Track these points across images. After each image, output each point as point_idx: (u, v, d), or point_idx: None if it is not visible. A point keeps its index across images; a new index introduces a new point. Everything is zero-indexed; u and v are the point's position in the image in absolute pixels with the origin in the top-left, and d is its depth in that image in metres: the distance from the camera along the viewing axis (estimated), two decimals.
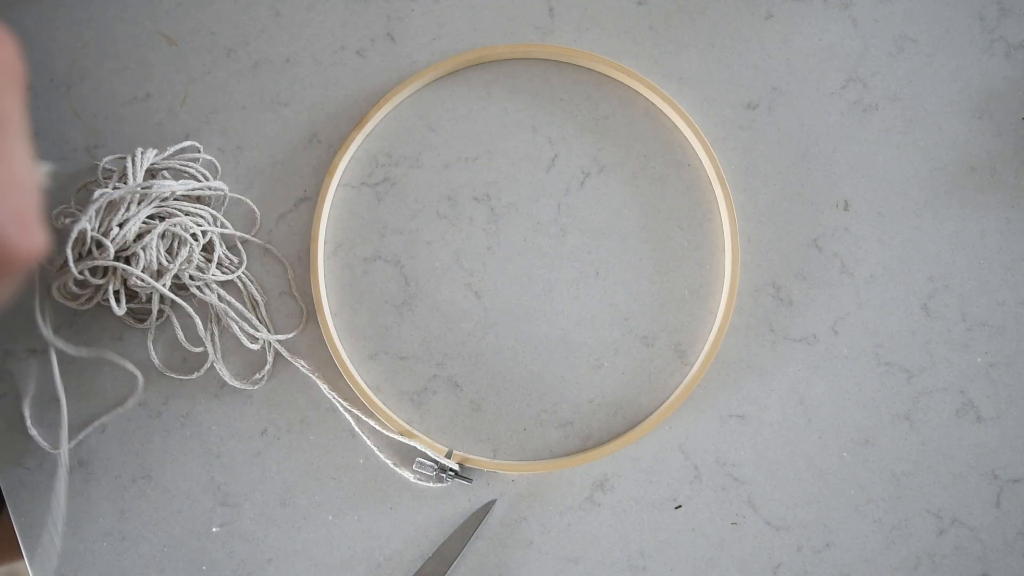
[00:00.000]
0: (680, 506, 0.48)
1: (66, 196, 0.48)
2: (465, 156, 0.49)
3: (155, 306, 0.47)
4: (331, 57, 0.49)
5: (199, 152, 0.49)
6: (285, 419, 0.48)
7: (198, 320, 0.47)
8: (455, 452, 0.47)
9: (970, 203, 0.49)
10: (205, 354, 0.48)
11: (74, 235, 0.43)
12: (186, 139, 0.49)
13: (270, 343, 0.48)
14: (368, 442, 0.48)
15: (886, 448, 0.48)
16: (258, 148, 0.49)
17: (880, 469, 0.48)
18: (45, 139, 0.49)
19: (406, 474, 0.47)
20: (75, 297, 0.46)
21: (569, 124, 0.48)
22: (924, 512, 0.48)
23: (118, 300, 0.45)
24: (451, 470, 0.47)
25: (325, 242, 0.49)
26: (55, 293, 0.45)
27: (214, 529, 0.48)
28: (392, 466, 0.47)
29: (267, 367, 0.48)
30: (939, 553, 0.48)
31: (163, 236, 0.46)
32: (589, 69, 0.49)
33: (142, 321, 0.48)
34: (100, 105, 0.49)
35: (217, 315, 0.48)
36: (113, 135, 0.49)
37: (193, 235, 0.46)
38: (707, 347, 0.48)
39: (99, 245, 0.44)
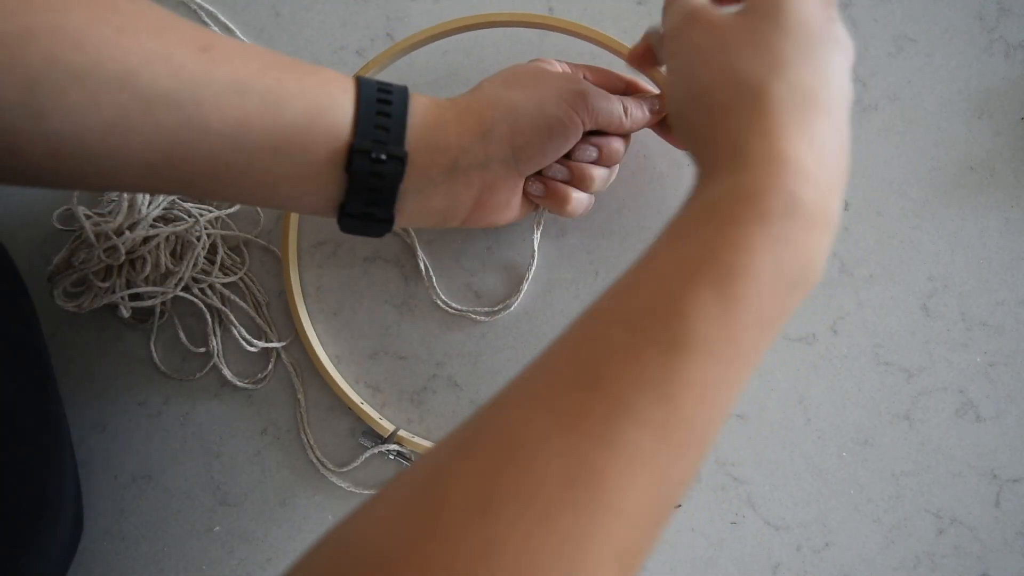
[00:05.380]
0: (679, 505, 0.48)
1: (67, 196, 0.48)
2: None
3: (157, 307, 0.47)
4: (331, 57, 0.49)
5: None
6: (285, 419, 0.49)
7: (209, 319, 0.47)
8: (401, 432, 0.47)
9: (969, 203, 0.49)
10: (205, 354, 0.48)
11: (91, 233, 0.43)
12: None
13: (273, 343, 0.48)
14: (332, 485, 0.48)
15: (885, 448, 0.48)
16: None
17: (879, 469, 0.48)
18: None
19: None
20: (76, 298, 0.46)
21: None
22: (923, 512, 0.48)
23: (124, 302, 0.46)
24: (393, 450, 0.47)
25: (322, 242, 0.49)
26: (57, 296, 0.45)
27: (215, 529, 0.48)
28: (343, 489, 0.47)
29: (270, 367, 0.48)
30: (938, 553, 0.48)
31: (167, 239, 0.46)
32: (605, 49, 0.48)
33: (143, 321, 0.48)
34: None
35: (220, 316, 0.48)
36: None
37: (197, 237, 0.46)
38: None
39: (110, 248, 0.44)
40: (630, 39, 0.49)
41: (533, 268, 0.48)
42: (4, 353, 0.38)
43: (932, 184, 0.49)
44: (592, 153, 0.42)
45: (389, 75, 0.48)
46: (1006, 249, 0.48)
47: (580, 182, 0.42)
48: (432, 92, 0.49)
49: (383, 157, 0.35)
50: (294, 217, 0.48)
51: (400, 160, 0.36)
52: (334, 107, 0.34)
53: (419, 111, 0.37)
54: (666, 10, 0.35)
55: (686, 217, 0.29)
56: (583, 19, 0.49)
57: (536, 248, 0.48)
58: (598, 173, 0.42)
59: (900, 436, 0.48)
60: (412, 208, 0.38)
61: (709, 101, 0.31)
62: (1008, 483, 0.48)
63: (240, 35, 0.49)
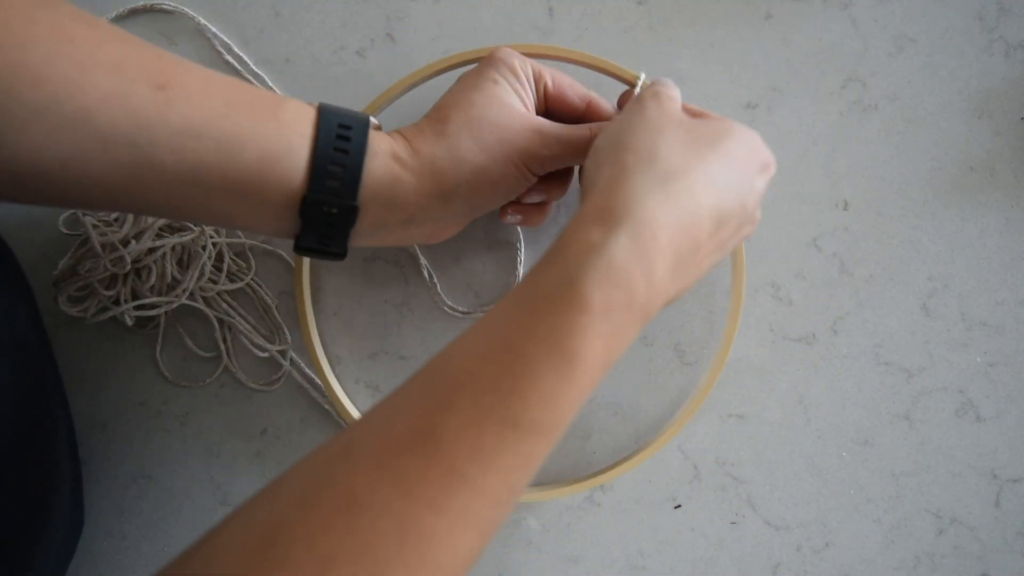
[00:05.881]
0: (679, 506, 0.48)
1: None
2: None
3: (162, 317, 0.47)
4: (331, 57, 0.49)
5: None
6: (285, 419, 0.49)
7: (217, 326, 0.47)
8: None
9: (970, 203, 0.49)
10: (213, 359, 0.48)
11: (97, 244, 0.43)
12: None
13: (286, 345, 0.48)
14: None
15: (885, 448, 0.48)
16: None
17: (879, 469, 0.48)
18: None
19: None
20: (80, 303, 0.46)
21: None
22: (923, 512, 0.48)
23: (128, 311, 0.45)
24: None
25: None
26: (62, 302, 0.45)
27: None
28: None
29: (284, 369, 0.48)
30: (938, 553, 0.48)
31: (173, 248, 0.46)
32: (588, 68, 0.49)
33: (144, 326, 0.48)
34: None
35: (228, 323, 0.48)
36: None
37: (203, 247, 0.46)
38: (715, 355, 0.47)
39: (116, 258, 0.44)
40: (631, 38, 0.49)
41: (522, 251, 0.48)
42: (5, 353, 0.38)
43: (932, 184, 0.49)
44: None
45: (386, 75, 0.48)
46: (1006, 249, 0.48)
47: (548, 198, 0.44)
48: (432, 97, 0.48)
49: (334, 211, 0.36)
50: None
51: (352, 210, 0.36)
52: (289, 155, 0.35)
53: (378, 167, 0.37)
54: (645, 89, 0.39)
55: (546, 281, 0.30)
56: (584, 19, 0.49)
57: (520, 231, 0.48)
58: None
59: (900, 436, 0.48)
60: (365, 242, 0.39)
61: (622, 157, 0.33)
62: (1008, 483, 0.48)
63: (241, 36, 0.49)
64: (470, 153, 0.38)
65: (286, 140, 0.35)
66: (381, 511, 0.26)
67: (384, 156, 0.37)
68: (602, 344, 0.29)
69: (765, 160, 0.37)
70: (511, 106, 0.39)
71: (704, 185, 0.33)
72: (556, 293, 0.29)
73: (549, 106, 0.42)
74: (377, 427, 0.29)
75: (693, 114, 0.38)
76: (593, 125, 0.41)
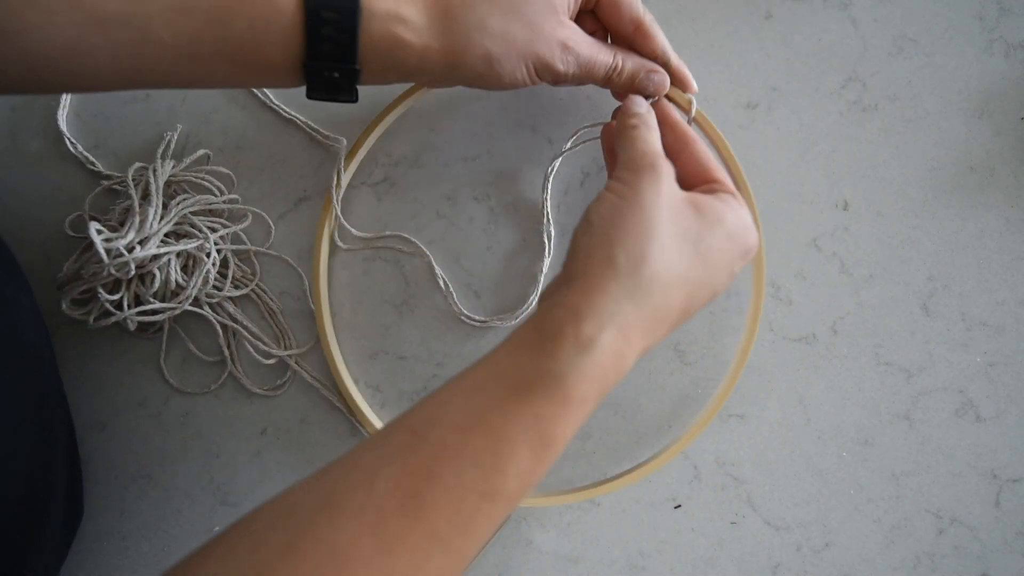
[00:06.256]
0: (679, 506, 0.48)
1: (78, 202, 0.48)
2: (465, 156, 0.49)
3: (166, 323, 0.47)
4: None
5: (208, 162, 0.49)
6: (285, 419, 0.49)
7: (221, 332, 0.47)
8: None
9: (969, 203, 0.49)
10: (217, 364, 0.48)
11: (102, 250, 0.43)
12: (179, 135, 0.49)
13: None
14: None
15: (885, 448, 0.48)
16: (258, 148, 0.49)
17: (879, 469, 0.48)
18: (44, 139, 0.49)
19: None
20: (84, 305, 0.46)
21: (569, 124, 0.48)
22: (923, 512, 0.48)
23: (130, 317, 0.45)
24: None
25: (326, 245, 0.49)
26: (65, 305, 0.45)
27: (215, 529, 0.48)
28: None
29: (289, 373, 0.48)
30: (938, 553, 0.48)
31: (178, 255, 0.45)
32: None
33: (146, 331, 0.48)
34: (100, 105, 0.49)
35: (233, 329, 0.48)
36: (113, 135, 0.49)
37: (208, 254, 0.46)
38: (733, 362, 0.47)
39: (121, 264, 0.44)
40: None
41: (547, 263, 0.48)
42: (2, 353, 0.38)
43: (932, 184, 0.49)
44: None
45: None
46: (1006, 249, 0.48)
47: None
48: (444, 96, 0.48)
49: (336, 74, 0.36)
50: (325, 233, 0.47)
51: (354, 72, 0.37)
52: (280, 22, 0.35)
53: (376, 30, 0.36)
54: (630, 132, 0.39)
55: (533, 369, 0.33)
56: None
57: (550, 243, 0.48)
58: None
59: (900, 436, 0.48)
60: (372, 84, 0.39)
61: (614, 253, 0.35)
62: (1008, 483, 0.48)
63: None
64: (487, 39, 0.37)
65: (273, 7, 0.35)
66: (364, 568, 0.28)
67: (383, 19, 0.36)
68: (573, 427, 0.33)
69: (748, 247, 0.39)
70: (550, 1, 0.37)
71: (681, 289, 0.35)
72: (542, 383, 0.32)
73: (597, 11, 0.41)
74: (359, 480, 0.30)
75: (704, 179, 0.39)
76: (619, 55, 0.40)
